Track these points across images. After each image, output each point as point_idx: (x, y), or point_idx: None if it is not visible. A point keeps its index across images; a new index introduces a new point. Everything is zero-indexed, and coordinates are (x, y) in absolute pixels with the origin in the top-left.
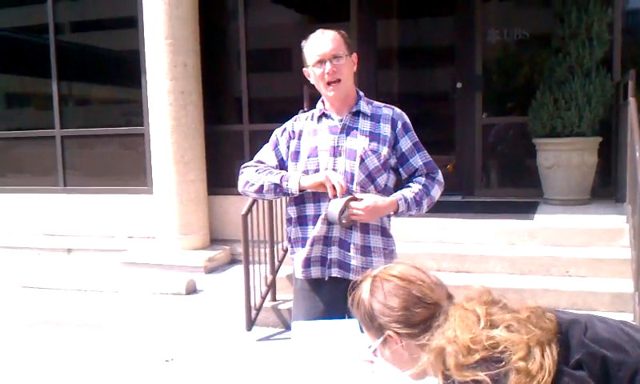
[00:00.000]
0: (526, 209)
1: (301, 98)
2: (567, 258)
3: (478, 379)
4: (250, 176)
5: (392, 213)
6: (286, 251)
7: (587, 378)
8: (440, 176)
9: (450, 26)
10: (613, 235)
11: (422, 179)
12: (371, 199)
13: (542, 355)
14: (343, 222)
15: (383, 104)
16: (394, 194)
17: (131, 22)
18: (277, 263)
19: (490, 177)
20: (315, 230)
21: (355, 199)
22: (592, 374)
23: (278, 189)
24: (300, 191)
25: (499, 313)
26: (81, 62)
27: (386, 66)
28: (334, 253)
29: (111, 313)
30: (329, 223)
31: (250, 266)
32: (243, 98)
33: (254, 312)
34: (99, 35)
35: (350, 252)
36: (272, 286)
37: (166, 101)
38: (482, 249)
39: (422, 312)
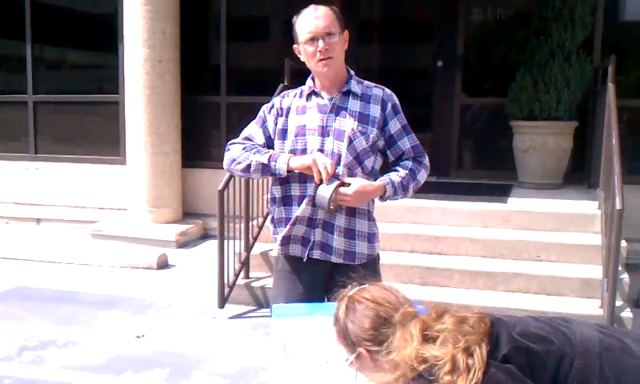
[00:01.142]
0: (500, 192)
1: (280, 70)
2: (539, 242)
3: None
4: (237, 154)
5: (379, 195)
6: (260, 228)
7: (512, 368)
8: (427, 160)
9: (433, 2)
10: (584, 221)
11: (409, 163)
12: (359, 183)
13: (471, 356)
14: (331, 207)
15: (374, 84)
16: (381, 178)
17: None
18: (251, 240)
19: (465, 158)
20: (299, 211)
21: (343, 184)
22: (519, 365)
23: (265, 169)
24: (288, 172)
25: (441, 324)
26: (56, 26)
27: (367, 41)
28: (317, 235)
29: (81, 286)
30: (314, 205)
31: (225, 242)
32: (222, 69)
33: (227, 289)
34: None
35: (333, 234)
36: (246, 264)
37: (143, 69)
38: (455, 231)
39: (387, 331)
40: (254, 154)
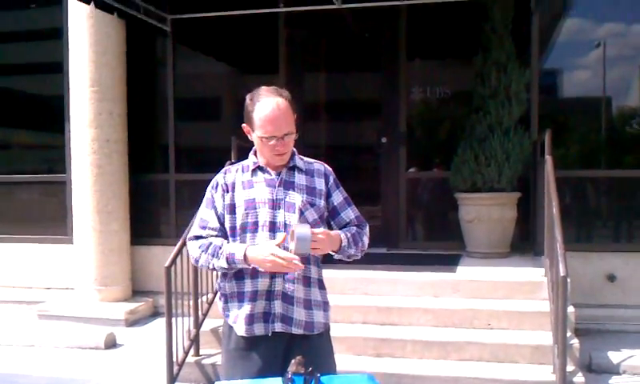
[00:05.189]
0: (449, 261)
1: (228, 148)
2: (489, 310)
3: None
4: (197, 255)
5: (337, 247)
6: (210, 304)
7: None
8: (367, 229)
9: (375, 81)
10: (532, 288)
11: (353, 228)
12: (322, 229)
13: None
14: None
15: (313, 160)
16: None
17: (56, 68)
18: (201, 316)
19: (414, 230)
20: (260, 285)
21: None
22: None
23: (229, 269)
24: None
25: None
26: (2, 106)
27: (313, 119)
28: (277, 307)
29: (24, 368)
30: (272, 277)
31: (173, 319)
32: (170, 148)
33: (176, 368)
34: (23, 79)
35: (293, 306)
36: (195, 341)
37: (90, 149)
38: (406, 301)
39: None
40: (212, 256)
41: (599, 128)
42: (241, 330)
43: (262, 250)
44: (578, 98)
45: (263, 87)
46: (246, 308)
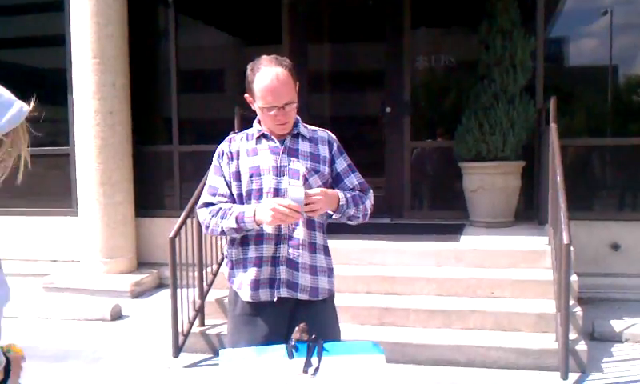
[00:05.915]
0: (453, 231)
1: (232, 118)
2: (492, 279)
3: None
4: (206, 220)
5: (335, 207)
6: (215, 275)
7: None
8: (371, 194)
9: (380, 51)
10: (536, 257)
11: (356, 192)
12: (318, 189)
13: None
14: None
15: (317, 128)
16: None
17: (59, 40)
18: (205, 287)
19: (418, 199)
20: (265, 250)
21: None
22: None
23: (238, 230)
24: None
25: None
26: (4, 80)
27: (318, 89)
28: (282, 273)
29: (31, 340)
30: (276, 243)
31: (178, 291)
32: (173, 119)
33: (181, 338)
34: (25, 52)
35: (298, 272)
36: (200, 311)
37: (94, 120)
38: (410, 271)
39: None
40: (222, 218)
41: (605, 96)
42: (246, 295)
43: (266, 202)
44: (584, 66)
45: (264, 56)
46: (252, 274)
